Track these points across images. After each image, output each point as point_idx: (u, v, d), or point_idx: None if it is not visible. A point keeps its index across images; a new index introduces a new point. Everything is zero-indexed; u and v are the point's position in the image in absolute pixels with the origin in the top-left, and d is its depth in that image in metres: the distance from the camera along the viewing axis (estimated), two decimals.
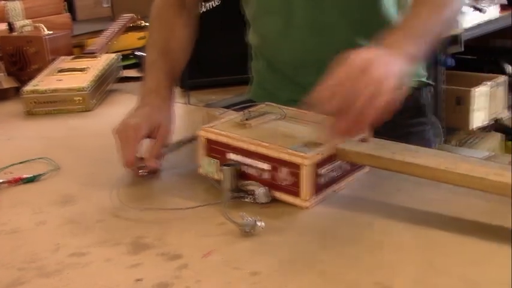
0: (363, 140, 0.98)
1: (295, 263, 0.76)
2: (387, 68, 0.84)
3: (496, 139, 3.40)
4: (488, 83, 3.13)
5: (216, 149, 0.97)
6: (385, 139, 0.99)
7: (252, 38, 1.34)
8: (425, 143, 1.29)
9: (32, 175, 1.07)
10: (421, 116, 1.32)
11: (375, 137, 1.01)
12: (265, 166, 0.92)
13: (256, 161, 0.93)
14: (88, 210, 0.95)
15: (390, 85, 0.83)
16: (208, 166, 0.99)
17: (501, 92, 3.20)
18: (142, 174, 1.03)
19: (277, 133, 0.97)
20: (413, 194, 0.92)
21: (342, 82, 0.83)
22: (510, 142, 3.43)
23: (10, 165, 1.12)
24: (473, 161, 0.85)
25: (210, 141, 0.98)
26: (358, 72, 0.82)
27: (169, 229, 0.87)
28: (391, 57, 0.86)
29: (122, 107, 1.53)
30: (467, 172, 0.81)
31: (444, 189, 0.88)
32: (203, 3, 1.60)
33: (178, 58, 1.22)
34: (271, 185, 0.92)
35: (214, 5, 1.61)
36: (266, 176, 0.92)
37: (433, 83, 1.36)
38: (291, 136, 0.95)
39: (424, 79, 1.32)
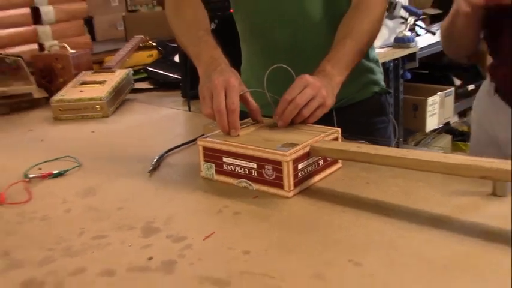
0: (334, 139, 0.98)
1: (280, 244, 0.76)
2: (327, 90, 1.01)
3: (446, 139, 3.42)
4: (440, 93, 3.16)
5: (213, 155, 0.97)
6: (355, 135, 1.05)
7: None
8: (386, 138, 1.33)
9: (59, 171, 1.07)
10: (383, 115, 1.34)
11: (346, 134, 1.04)
12: (253, 165, 0.92)
13: (245, 162, 0.93)
14: (107, 200, 0.95)
15: (329, 100, 1.02)
16: (207, 170, 0.99)
17: (450, 100, 3.23)
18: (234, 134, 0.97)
19: (263, 138, 0.97)
20: (379, 187, 0.92)
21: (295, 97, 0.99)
22: (459, 142, 3.46)
23: (41, 163, 1.11)
24: (422, 151, 0.86)
25: (207, 149, 0.98)
26: (311, 91, 0.99)
27: (175, 215, 0.87)
28: (328, 84, 1.03)
29: (134, 114, 1.54)
30: (418, 157, 0.83)
31: (406, 183, 0.89)
32: None
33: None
34: (259, 180, 0.92)
35: (212, 28, 1.61)
36: (254, 173, 0.92)
37: (390, 91, 1.43)
38: (272, 140, 0.95)
39: (383, 87, 1.35)
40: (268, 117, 1.05)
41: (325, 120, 1.06)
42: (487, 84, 1.23)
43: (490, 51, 1.19)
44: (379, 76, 1.35)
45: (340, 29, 1.14)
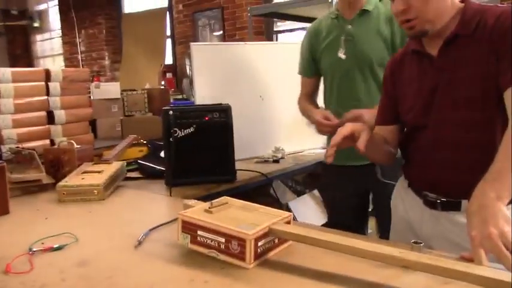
0: (287, 223, 0.98)
1: None
2: None
3: (373, 221, 3.41)
4: None
5: (189, 227, 0.95)
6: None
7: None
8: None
9: (59, 245, 1.02)
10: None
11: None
12: (222, 239, 0.90)
13: (216, 236, 0.91)
14: (98, 270, 0.91)
15: None
16: (183, 239, 0.96)
17: None
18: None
19: (230, 217, 0.96)
20: (321, 261, 0.90)
21: None
22: None
23: (44, 238, 1.07)
24: (358, 240, 0.86)
25: (185, 222, 0.96)
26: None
27: (156, 284, 0.83)
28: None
29: (125, 198, 1.50)
30: (353, 245, 0.83)
31: (342, 257, 0.87)
32: (182, 130, 1.62)
33: None
34: (226, 252, 0.90)
35: (189, 132, 1.63)
36: (222, 246, 0.91)
37: None
38: (239, 219, 0.94)
39: None
40: (237, 200, 1.05)
41: (370, 170, 1.53)
42: (402, 180, 1.26)
43: (402, 156, 1.24)
44: None
45: None
